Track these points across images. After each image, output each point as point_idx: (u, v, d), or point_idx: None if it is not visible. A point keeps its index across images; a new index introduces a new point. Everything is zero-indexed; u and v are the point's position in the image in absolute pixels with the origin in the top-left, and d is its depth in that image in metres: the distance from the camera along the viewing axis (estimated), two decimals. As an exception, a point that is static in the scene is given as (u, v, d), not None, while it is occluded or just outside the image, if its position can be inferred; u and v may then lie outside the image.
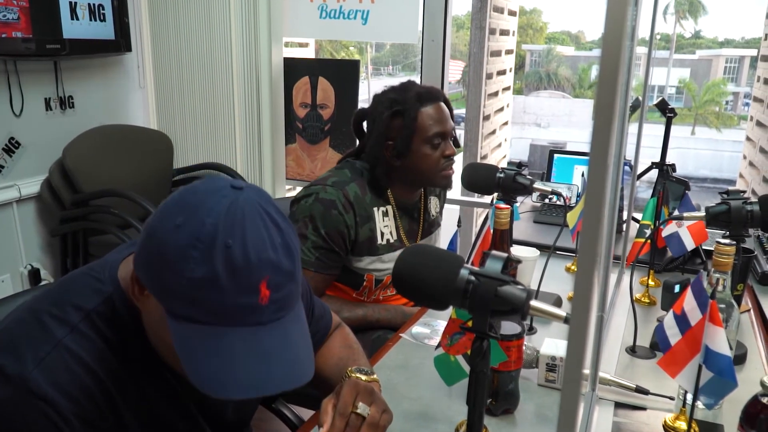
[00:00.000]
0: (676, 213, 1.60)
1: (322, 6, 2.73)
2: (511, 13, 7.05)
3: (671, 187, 1.73)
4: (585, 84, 26.87)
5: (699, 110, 23.87)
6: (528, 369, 1.21)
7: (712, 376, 0.93)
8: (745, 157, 6.57)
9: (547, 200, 2.30)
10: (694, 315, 0.97)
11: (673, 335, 1.00)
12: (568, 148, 5.53)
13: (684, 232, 1.47)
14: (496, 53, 6.52)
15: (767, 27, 6.37)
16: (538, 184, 1.53)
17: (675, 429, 1.05)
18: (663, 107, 1.91)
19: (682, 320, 0.99)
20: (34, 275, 2.68)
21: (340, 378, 1.03)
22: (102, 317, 0.80)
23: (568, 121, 21.69)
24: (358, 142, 1.67)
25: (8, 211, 2.55)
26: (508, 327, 1.08)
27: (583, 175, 2.29)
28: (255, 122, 2.88)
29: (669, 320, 1.02)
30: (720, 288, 1.04)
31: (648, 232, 1.52)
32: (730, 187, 1.41)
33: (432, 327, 1.44)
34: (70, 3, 2.52)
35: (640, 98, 1.56)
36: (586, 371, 1.02)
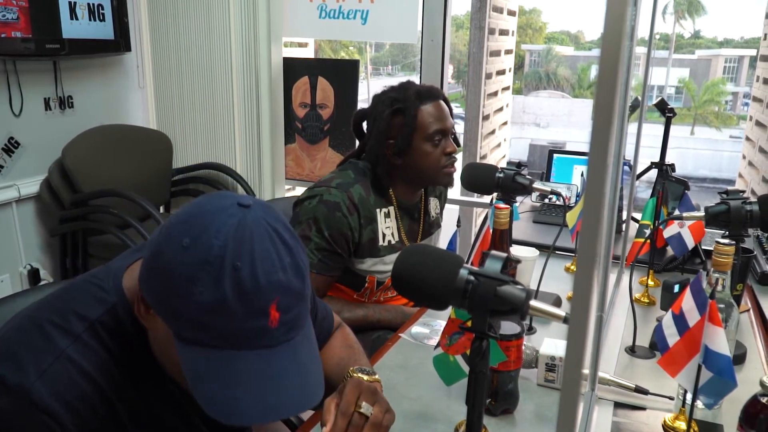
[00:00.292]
0: (675, 213, 1.61)
1: (321, 6, 2.73)
2: (511, 13, 7.05)
3: (671, 187, 1.73)
4: (584, 84, 26.84)
5: (698, 110, 23.88)
6: (527, 369, 1.21)
7: (711, 376, 0.93)
8: (744, 157, 6.57)
9: (546, 200, 2.30)
10: (692, 315, 0.97)
11: (671, 335, 1.00)
12: (568, 148, 5.53)
13: (686, 232, 1.47)
14: (496, 53, 6.51)
15: (766, 27, 6.35)
16: (537, 184, 1.53)
17: (674, 429, 1.05)
18: (662, 107, 1.91)
19: (680, 320, 0.99)
20: (34, 275, 2.68)
21: (341, 378, 1.02)
22: (105, 328, 0.79)
23: (568, 121, 21.70)
24: (357, 142, 1.67)
25: (8, 211, 2.55)
26: (508, 327, 1.08)
27: (582, 175, 2.29)
28: (254, 122, 2.88)
29: (667, 320, 1.02)
30: (719, 288, 1.04)
31: (647, 232, 1.52)
32: (730, 187, 1.41)
33: (431, 327, 1.44)
34: (70, 3, 2.52)
35: (640, 98, 1.56)
36: (586, 371, 1.02)
